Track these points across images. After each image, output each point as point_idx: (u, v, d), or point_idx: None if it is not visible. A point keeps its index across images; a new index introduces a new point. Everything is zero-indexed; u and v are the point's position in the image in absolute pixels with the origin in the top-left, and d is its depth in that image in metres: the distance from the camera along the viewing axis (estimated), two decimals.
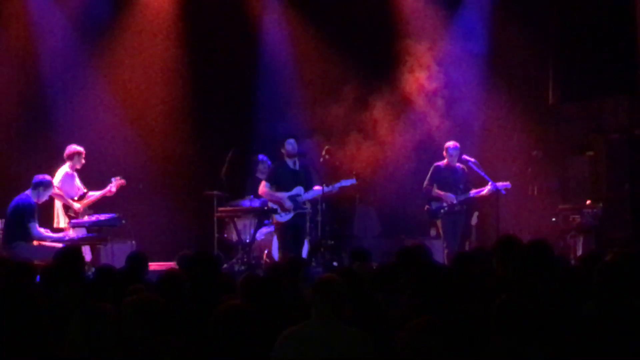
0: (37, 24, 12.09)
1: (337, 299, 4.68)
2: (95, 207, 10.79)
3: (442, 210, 11.32)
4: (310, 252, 10.85)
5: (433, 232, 12.46)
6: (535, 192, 12.72)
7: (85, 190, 10.73)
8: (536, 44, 12.83)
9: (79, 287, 5.58)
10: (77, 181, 10.72)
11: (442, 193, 11.30)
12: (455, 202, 11.27)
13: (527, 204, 12.73)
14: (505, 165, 12.72)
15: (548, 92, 12.99)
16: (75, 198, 10.62)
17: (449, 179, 11.36)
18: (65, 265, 6.40)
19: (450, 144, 11.45)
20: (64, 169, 10.63)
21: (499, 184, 11.21)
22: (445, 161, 11.42)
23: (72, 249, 7.19)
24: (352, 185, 11.11)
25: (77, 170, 10.71)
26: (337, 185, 10.92)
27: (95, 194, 10.74)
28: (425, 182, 11.50)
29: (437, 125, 12.83)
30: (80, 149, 10.66)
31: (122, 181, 10.77)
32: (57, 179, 10.50)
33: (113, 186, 10.72)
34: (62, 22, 12.24)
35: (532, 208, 12.68)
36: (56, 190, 10.40)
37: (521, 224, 12.61)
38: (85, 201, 10.70)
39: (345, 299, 4.72)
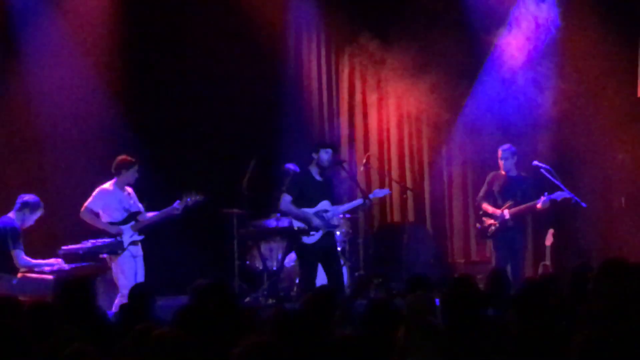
0: None
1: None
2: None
3: (491, 228, 11.21)
4: (357, 289, 10.75)
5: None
6: (623, 204, 12.60)
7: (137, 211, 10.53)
8: (620, 18, 12.63)
9: (88, 329, 5.55)
10: (125, 199, 10.47)
11: (489, 208, 11.20)
12: (507, 217, 11.11)
13: (613, 219, 12.60)
14: (584, 172, 12.60)
15: (637, 80, 12.85)
16: (120, 219, 10.40)
17: (508, 189, 11.21)
18: (72, 301, 6.36)
19: (504, 147, 11.35)
20: (105, 185, 10.40)
21: (556, 194, 11.00)
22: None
23: (79, 280, 7.02)
24: (402, 199, 11.01)
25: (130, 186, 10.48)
26: (371, 196, 10.86)
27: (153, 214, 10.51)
28: (479, 194, 11.50)
29: (498, 122, 12.79)
30: (130, 158, 10.40)
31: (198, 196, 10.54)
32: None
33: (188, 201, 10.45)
34: None
35: (619, 224, 12.54)
36: (87, 215, 10.31)
37: (605, 243, 12.48)
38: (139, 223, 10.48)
39: None
